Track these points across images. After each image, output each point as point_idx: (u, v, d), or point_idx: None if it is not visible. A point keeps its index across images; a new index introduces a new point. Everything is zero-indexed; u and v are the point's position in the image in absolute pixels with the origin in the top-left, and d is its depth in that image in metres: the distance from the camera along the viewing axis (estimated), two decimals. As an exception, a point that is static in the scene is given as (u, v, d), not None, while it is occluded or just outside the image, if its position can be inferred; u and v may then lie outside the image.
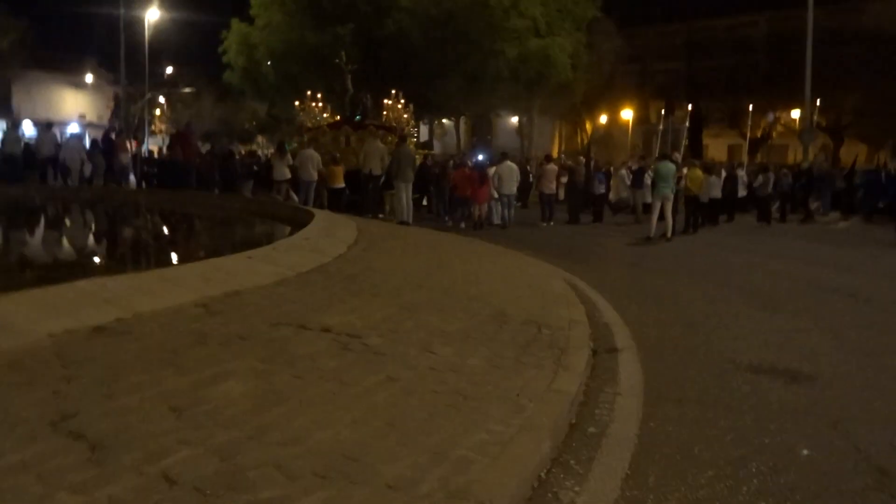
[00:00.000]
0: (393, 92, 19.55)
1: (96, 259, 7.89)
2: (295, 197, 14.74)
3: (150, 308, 4.17)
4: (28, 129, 29.83)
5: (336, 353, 3.96)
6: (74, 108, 46.90)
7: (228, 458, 2.53)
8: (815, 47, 22.80)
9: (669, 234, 13.56)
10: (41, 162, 16.81)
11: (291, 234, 7.71)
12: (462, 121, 43.49)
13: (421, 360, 4.04)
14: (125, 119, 51.35)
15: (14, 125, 24.31)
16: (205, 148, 22.52)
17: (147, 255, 8.21)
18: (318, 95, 20.79)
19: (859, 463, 3.34)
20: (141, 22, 37.17)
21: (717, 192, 17.48)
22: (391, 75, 23.57)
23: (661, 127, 30.48)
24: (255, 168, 17.26)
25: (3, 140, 17.45)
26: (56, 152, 16.93)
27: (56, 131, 18.99)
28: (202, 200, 12.76)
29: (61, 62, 44.67)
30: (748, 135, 40.96)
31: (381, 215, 14.43)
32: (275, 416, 2.96)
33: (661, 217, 13.51)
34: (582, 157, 18.26)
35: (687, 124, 34.78)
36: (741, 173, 19.77)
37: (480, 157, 26.34)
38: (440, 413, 3.22)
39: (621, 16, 41.98)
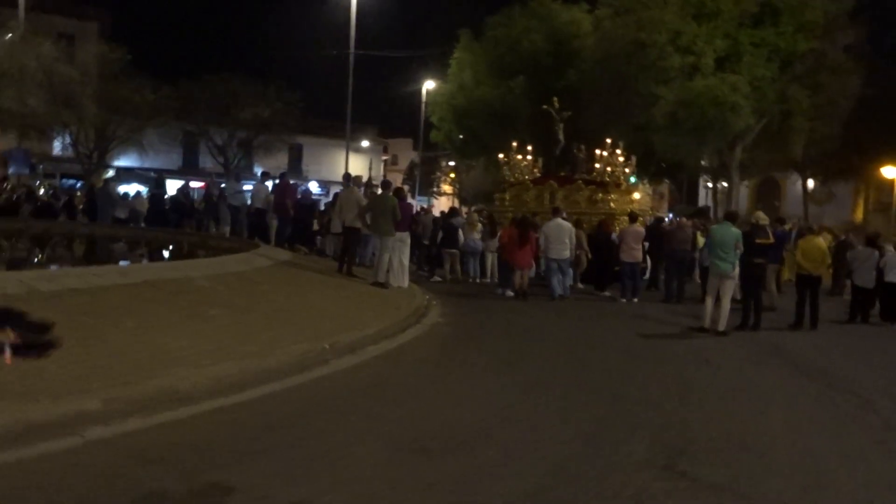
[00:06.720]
0: (608, 141, 17.32)
1: None
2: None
3: None
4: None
5: None
6: (351, 170, 52.86)
7: None
8: None
9: (722, 327, 9.59)
10: (250, 212, 16.48)
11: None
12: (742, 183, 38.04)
13: None
14: (411, 180, 56.26)
15: (237, 178, 25.95)
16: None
17: None
18: (529, 147, 19.33)
19: None
20: (418, 93, 40.99)
21: (893, 276, 12.21)
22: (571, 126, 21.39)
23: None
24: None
25: (227, 192, 18.04)
26: (266, 206, 16.15)
27: (265, 185, 17.02)
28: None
29: (343, 129, 50.60)
30: None
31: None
32: None
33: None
34: (684, 218, 14.12)
35: None
36: None
37: (665, 218, 22.53)
38: None
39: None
